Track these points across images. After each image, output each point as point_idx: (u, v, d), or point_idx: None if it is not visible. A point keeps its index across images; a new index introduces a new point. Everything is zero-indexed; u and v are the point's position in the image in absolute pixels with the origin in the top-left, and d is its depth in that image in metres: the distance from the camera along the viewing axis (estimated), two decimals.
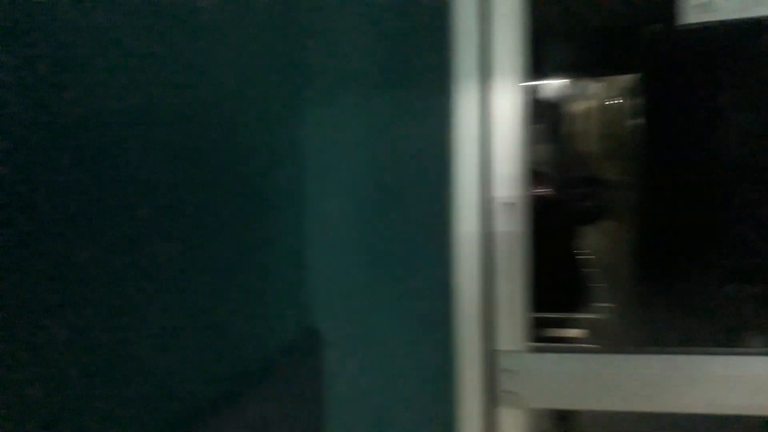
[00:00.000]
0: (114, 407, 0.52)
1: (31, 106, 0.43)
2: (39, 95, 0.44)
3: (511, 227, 0.93)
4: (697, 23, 0.82)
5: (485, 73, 0.90)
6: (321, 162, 0.97)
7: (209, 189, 0.70)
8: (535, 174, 2.50)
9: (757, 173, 2.97)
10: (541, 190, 2.30)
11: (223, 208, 0.73)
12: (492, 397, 0.96)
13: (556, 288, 2.33)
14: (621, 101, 4.32)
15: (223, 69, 0.74)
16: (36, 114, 0.44)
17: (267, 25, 0.86)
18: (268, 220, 0.87)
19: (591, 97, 4.87)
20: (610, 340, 2.67)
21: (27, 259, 0.42)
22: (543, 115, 2.89)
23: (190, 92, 0.65)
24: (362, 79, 0.96)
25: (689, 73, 3.00)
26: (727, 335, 2.91)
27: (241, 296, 0.78)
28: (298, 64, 0.95)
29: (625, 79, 4.06)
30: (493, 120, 0.91)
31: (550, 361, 0.95)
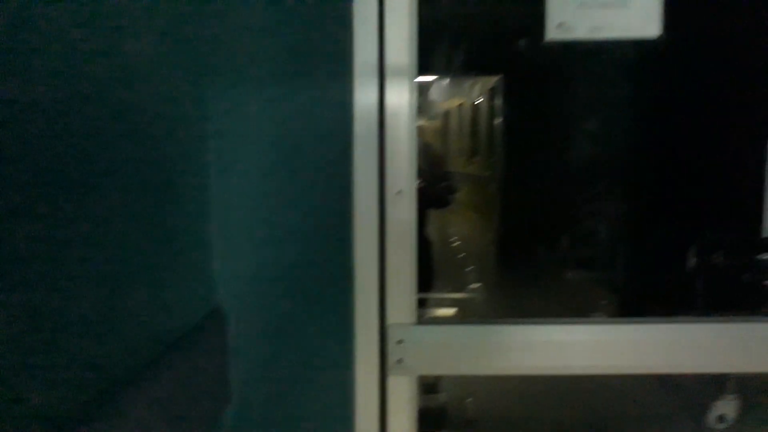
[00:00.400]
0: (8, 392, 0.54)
1: None
2: None
3: (402, 212, 1.03)
4: (557, 41, 0.97)
5: (382, 70, 0.99)
6: (224, 150, 1.00)
7: (112, 174, 0.72)
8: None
9: (600, 172, 3.39)
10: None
11: (128, 194, 0.75)
12: (384, 367, 1.06)
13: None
14: (486, 101, 4.65)
15: (123, 60, 0.75)
16: None
17: (169, 15, 0.87)
18: (173, 204, 0.89)
19: (461, 95, 5.18)
20: (478, 316, 2.93)
21: None
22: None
23: (90, 84, 0.67)
24: (263, 71, 1.00)
25: (546, 80, 3.35)
26: (576, 314, 3.30)
27: (146, 277, 0.80)
28: (199, 55, 0.97)
29: (491, 80, 4.38)
30: (387, 116, 1.01)
31: (434, 332, 1.08)
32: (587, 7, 0.97)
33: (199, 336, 0.95)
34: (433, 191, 2.80)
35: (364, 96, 0.99)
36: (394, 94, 1.00)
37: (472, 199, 4.79)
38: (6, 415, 0.52)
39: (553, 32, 0.98)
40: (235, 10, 0.98)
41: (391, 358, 1.06)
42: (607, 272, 3.45)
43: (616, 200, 3.31)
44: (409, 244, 1.05)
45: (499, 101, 4.37)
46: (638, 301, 2.93)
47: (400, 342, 1.06)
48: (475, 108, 5.25)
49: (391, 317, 1.06)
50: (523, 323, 1.09)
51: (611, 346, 1.06)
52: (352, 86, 0.98)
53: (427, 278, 2.45)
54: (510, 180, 4.20)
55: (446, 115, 5.71)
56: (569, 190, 3.64)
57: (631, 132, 3.14)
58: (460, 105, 5.54)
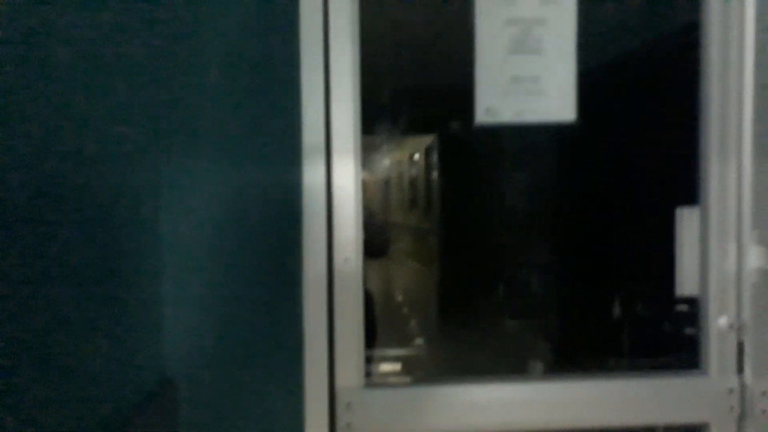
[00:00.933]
0: None
1: None
2: None
3: (349, 280, 1.10)
4: (485, 124, 1.09)
5: (329, 149, 1.08)
6: (176, 221, 1.04)
7: (60, 234, 0.75)
8: None
9: (530, 225, 3.58)
10: None
11: (72, 261, 0.77)
12: (335, 429, 1.10)
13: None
14: (423, 157, 4.84)
15: (74, 105, 0.80)
16: None
17: (122, 86, 0.93)
18: (121, 274, 0.92)
19: (401, 151, 5.36)
20: (421, 372, 2.97)
21: None
22: None
23: (40, 139, 0.71)
24: (217, 147, 1.06)
25: (478, 140, 3.55)
26: (515, 364, 3.40)
27: (93, 349, 0.82)
28: (153, 128, 1.03)
29: (427, 139, 4.58)
30: (335, 189, 1.09)
31: (381, 394, 1.13)
32: (511, 94, 1.09)
33: (149, 407, 0.96)
34: (372, 241, 2.88)
35: (312, 172, 1.07)
36: (340, 170, 1.09)
37: (413, 249, 4.91)
38: None
39: (481, 116, 1.10)
40: (190, 87, 1.04)
41: (340, 423, 1.10)
42: (541, 321, 3.61)
43: (547, 253, 3.50)
44: (356, 308, 1.11)
45: (435, 157, 4.57)
46: (570, 349, 3.08)
47: (348, 405, 1.11)
48: (414, 163, 5.45)
49: (340, 380, 1.11)
50: (466, 383, 1.16)
51: (550, 403, 1.14)
52: (301, 164, 1.05)
53: (371, 334, 2.49)
54: (447, 231, 4.35)
55: (387, 169, 5.87)
56: (503, 242, 3.82)
57: (560, 191, 3.37)
58: (399, 160, 5.72)
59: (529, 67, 1.08)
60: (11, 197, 0.65)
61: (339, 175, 1.08)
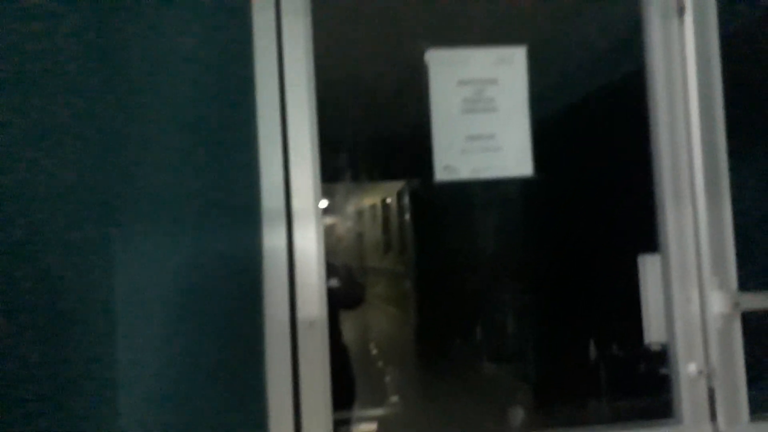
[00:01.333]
0: None
1: None
2: None
3: (315, 344, 1.07)
4: (445, 181, 1.10)
5: (289, 211, 1.07)
6: (133, 282, 1.01)
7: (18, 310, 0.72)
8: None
9: (506, 267, 3.59)
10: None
11: (29, 326, 0.74)
12: None
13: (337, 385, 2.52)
14: (394, 202, 4.86)
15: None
16: None
17: (84, 157, 0.91)
18: (76, 344, 0.88)
19: (373, 195, 5.38)
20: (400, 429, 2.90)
21: None
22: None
23: None
24: (175, 213, 1.04)
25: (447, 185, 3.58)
26: (495, 411, 3.35)
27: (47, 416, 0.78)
28: (110, 194, 1.01)
29: (398, 184, 4.61)
30: (296, 252, 1.07)
31: None
32: (468, 152, 1.11)
33: None
34: (346, 292, 2.84)
35: (272, 236, 1.05)
36: (301, 232, 1.07)
37: (388, 293, 4.87)
38: None
39: (440, 173, 1.10)
40: (145, 155, 1.03)
41: None
42: (518, 364, 3.57)
43: (522, 295, 3.50)
44: (323, 376, 1.08)
45: (407, 201, 4.58)
46: (549, 392, 3.05)
47: None
48: (386, 207, 5.45)
49: None
50: None
51: None
52: (260, 228, 1.04)
53: (345, 392, 2.43)
54: (422, 275, 4.34)
55: (359, 213, 5.87)
56: (478, 285, 3.81)
57: (529, 234, 3.40)
58: (373, 205, 5.73)
59: (483, 125, 1.10)
60: None
61: (300, 237, 1.07)
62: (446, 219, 3.90)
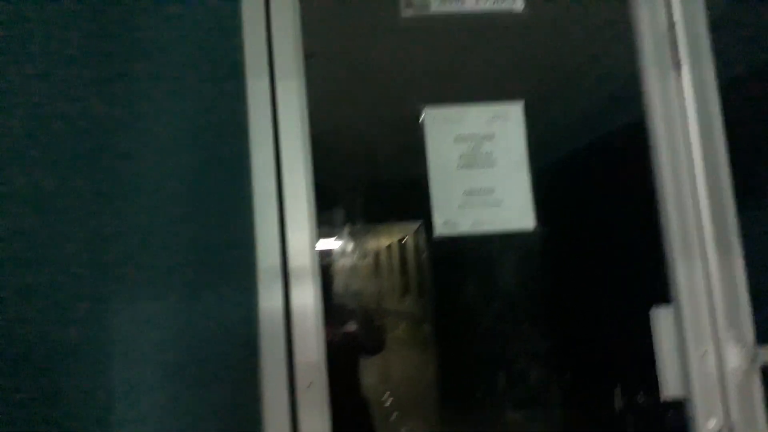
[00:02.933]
0: None
1: None
2: None
3: (315, 407, 1.05)
4: (444, 236, 1.09)
5: (285, 267, 1.06)
6: (126, 359, 1.00)
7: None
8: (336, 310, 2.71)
9: (528, 314, 3.53)
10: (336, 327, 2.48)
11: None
12: None
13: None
14: (411, 242, 4.84)
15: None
16: None
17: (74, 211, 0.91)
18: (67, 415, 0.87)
19: (385, 236, 5.36)
20: None
21: None
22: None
23: None
24: (165, 276, 1.04)
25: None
26: None
27: None
28: (100, 260, 1.01)
29: (415, 224, 4.60)
30: (294, 311, 1.06)
31: None
32: (467, 206, 1.09)
33: None
34: (366, 338, 2.79)
35: (268, 296, 1.04)
36: (298, 291, 1.06)
37: (407, 337, 4.80)
38: None
39: (440, 228, 1.09)
40: (135, 215, 1.03)
41: None
42: (543, 412, 3.46)
43: (545, 342, 3.43)
44: None
45: (422, 241, 4.56)
46: None
47: None
48: (403, 247, 5.43)
49: None
50: None
51: None
52: (256, 288, 1.03)
53: None
54: (442, 318, 4.27)
55: (376, 255, 5.85)
56: (500, 330, 3.74)
57: (547, 281, 3.36)
58: (389, 246, 5.71)
59: (482, 180, 1.09)
60: None
61: (297, 296, 1.06)
62: (464, 262, 3.85)
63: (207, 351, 1.01)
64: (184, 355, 1.01)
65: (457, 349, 3.81)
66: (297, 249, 1.05)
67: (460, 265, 3.93)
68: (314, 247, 1.06)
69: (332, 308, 2.62)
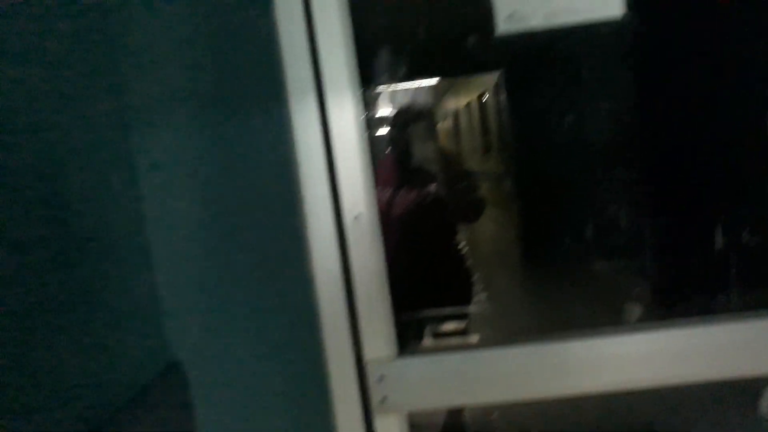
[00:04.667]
0: None
1: None
2: None
3: (364, 237, 0.95)
4: (509, 33, 0.88)
5: (320, 88, 0.91)
6: (164, 187, 0.94)
7: (43, 225, 0.66)
8: (421, 173, 2.60)
9: (615, 157, 3.25)
10: (422, 190, 2.39)
11: (67, 254, 0.69)
12: (367, 407, 0.98)
13: (448, 284, 2.45)
14: (491, 98, 4.55)
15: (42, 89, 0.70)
16: None
17: (91, 54, 0.82)
18: (116, 261, 0.83)
19: (464, 94, 5.08)
20: (492, 331, 2.81)
21: None
22: (416, 116, 2.99)
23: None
24: (188, 105, 0.93)
25: (546, 69, 3.23)
26: (610, 309, 3.15)
27: (95, 339, 0.74)
28: (124, 92, 0.91)
29: (494, 77, 4.27)
30: (334, 134, 0.93)
31: (418, 364, 0.99)
32: None
33: (156, 393, 0.88)
34: (459, 200, 2.67)
35: (303, 117, 0.91)
36: (337, 110, 0.92)
37: (490, 196, 4.65)
38: None
39: (503, 24, 0.89)
40: (156, 41, 0.91)
41: (375, 398, 0.98)
42: (635, 260, 3.29)
43: (635, 185, 3.16)
44: (377, 270, 0.97)
45: (503, 96, 4.27)
46: (671, 288, 2.78)
47: (381, 379, 0.98)
48: (482, 105, 5.15)
49: (368, 353, 0.97)
50: (527, 343, 0.99)
51: (650, 355, 0.94)
52: (288, 108, 0.90)
53: (467, 292, 2.36)
54: (524, 174, 4.07)
55: (455, 115, 5.63)
56: (586, 178, 3.50)
57: (642, 114, 3.00)
58: (468, 104, 5.45)
59: None
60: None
61: (336, 118, 0.92)
62: (549, 109, 3.55)
63: (245, 180, 0.92)
64: (221, 186, 0.93)
65: (542, 202, 3.64)
66: (332, 58, 0.89)
67: (542, 113, 3.64)
68: (351, 52, 0.90)
69: (418, 173, 2.51)
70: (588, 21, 0.90)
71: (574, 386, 0.96)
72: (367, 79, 0.93)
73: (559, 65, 3.07)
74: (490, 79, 4.53)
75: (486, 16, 0.92)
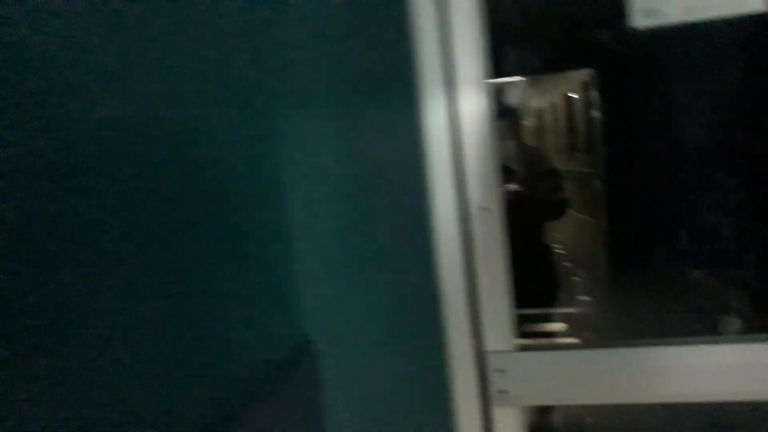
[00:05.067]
0: None
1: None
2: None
3: (488, 229, 0.97)
4: (644, 27, 0.87)
5: (449, 77, 0.94)
6: (298, 174, 0.99)
7: (188, 204, 0.72)
8: (504, 170, 2.59)
9: (715, 160, 3.09)
10: (510, 186, 2.38)
11: (204, 223, 0.75)
12: (486, 397, 0.99)
13: (534, 284, 2.43)
14: (579, 96, 4.44)
15: (202, 76, 0.76)
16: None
17: (239, 37, 0.88)
18: (250, 232, 0.89)
19: (549, 92, 4.98)
20: (589, 333, 2.74)
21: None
22: (503, 113, 2.98)
23: (170, 100, 0.67)
24: (325, 95, 0.98)
25: (643, 69, 3.12)
26: (704, 321, 3.00)
27: (230, 312, 0.80)
28: (268, 76, 0.97)
29: (582, 74, 4.17)
30: (461, 123, 0.95)
31: (538, 359, 1.00)
32: None
33: (289, 370, 0.93)
34: (544, 197, 2.64)
35: (433, 110, 0.94)
36: (466, 104, 0.94)
37: (575, 197, 4.53)
38: None
39: (640, 18, 0.88)
40: (297, 34, 0.97)
41: (493, 389, 1.00)
42: (734, 270, 3.12)
43: (736, 191, 2.99)
44: (500, 264, 0.98)
45: (594, 94, 4.14)
46: None
47: (501, 371, 0.99)
48: (570, 103, 5.03)
49: (489, 344, 0.99)
50: (647, 345, 0.97)
51: (749, 367, 0.92)
52: (419, 101, 0.93)
53: (553, 292, 2.34)
54: (615, 174, 3.94)
55: (540, 113, 5.52)
56: (683, 183, 3.35)
57: (748, 116, 2.84)
58: (554, 102, 5.33)
59: None
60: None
61: (465, 108, 0.94)
62: (642, 108, 3.43)
63: (375, 167, 0.96)
64: (353, 172, 0.97)
65: (633, 206, 3.52)
66: (463, 47, 0.92)
67: (635, 114, 3.52)
68: (482, 48, 0.92)
69: (508, 171, 2.50)
70: (728, 15, 0.87)
71: (699, 393, 0.94)
72: (498, 73, 0.95)
73: (665, 63, 2.95)
74: (579, 76, 4.41)
75: (617, 11, 0.92)
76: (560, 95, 4.88)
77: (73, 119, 0.49)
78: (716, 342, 0.95)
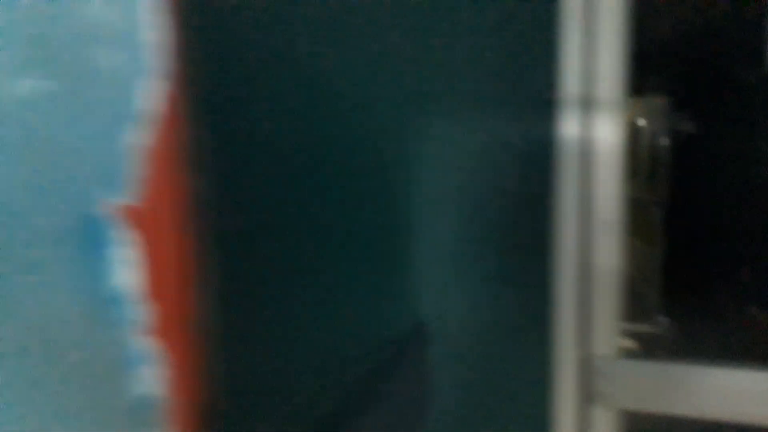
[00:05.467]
0: None
1: None
2: None
3: (609, 244, 1.02)
4: None
5: (587, 96, 0.99)
6: (428, 170, 1.05)
7: (327, 192, 0.78)
8: None
9: None
10: None
11: (335, 210, 0.81)
12: (586, 398, 1.04)
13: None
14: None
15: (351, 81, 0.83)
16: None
17: (380, 47, 0.95)
18: (375, 222, 0.95)
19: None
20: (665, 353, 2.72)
21: None
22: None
23: (327, 101, 0.74)
24: (465, 100, 1.04)
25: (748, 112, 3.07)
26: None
27: (346, 293, 0.85)
28: (412, 84, 1.04)
29: (655, 101, 4.12)
30: (594, 141, 1.00)
31: (640, 366, 1.04)
32: None
33: (406, 349, 1.00)
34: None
35: (568, 125, 1.00)
36: (601, 124, 1.00)
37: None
38: None
39: None
40: (438, 41, 1.03)
41: (594, 391, 1.04)
42: None
43: None
44: (615, 275, 1.03)
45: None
46: None
47: (603, 375, 1.04)
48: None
49: (594, 349, 1.04)
50: (739, 368, 1.01)
51: None
52: (555, 116, 0.99)
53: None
54: (678, 203, 3.87)
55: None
56: (750, 217, 3.28)
57: None
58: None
59: None
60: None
61: (600, 124, 0.99)
62: (712, 136, 3.38)
63: (502, 168, 1.01)
64: (479, 171, 1.03)
65: (693, 237, 3.47)
66: (604, 75, 0.97)
67: (709, 147, 3.46)
68: (623, 73, 0.97)
69: None
70: None
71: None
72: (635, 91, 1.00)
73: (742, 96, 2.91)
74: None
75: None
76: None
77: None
78: None
